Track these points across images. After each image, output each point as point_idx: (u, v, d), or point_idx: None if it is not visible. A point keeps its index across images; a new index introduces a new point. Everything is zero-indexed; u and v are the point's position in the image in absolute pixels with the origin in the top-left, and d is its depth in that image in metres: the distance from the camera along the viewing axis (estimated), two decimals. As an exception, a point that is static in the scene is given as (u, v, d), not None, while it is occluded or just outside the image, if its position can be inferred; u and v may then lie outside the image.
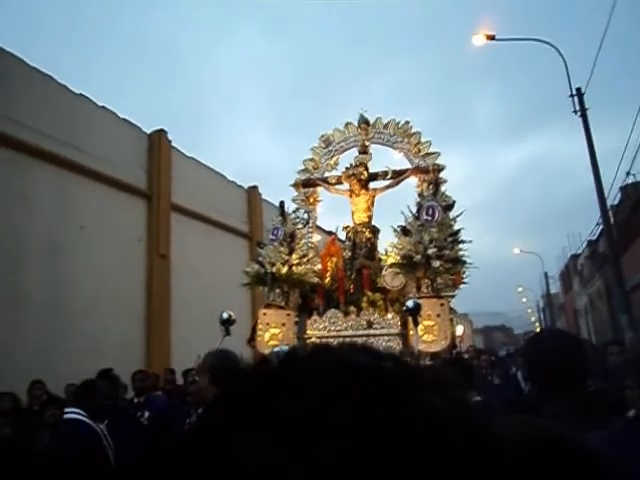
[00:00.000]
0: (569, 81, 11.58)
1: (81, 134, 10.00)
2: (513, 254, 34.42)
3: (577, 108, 11.59)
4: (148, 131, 12.17)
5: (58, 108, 9.60)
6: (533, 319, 51.40)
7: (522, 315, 58.38)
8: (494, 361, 9.75)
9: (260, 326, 5.85)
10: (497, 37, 12.32)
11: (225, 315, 5.17)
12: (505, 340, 50.97)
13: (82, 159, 9.88)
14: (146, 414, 5.27)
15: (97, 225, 10.09)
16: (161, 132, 12.30)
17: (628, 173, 15.97)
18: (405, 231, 5.49)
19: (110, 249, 10.27)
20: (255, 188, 16.41)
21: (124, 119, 11.46)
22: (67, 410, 3.26)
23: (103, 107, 10.88)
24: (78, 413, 3.15)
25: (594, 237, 21.52)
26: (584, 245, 24.62)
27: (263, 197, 16.62)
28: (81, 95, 10.33)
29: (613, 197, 17.01)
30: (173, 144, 12.73)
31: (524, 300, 51.36)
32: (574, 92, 11.68)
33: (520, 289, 47.89)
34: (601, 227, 15.88)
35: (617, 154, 13.29)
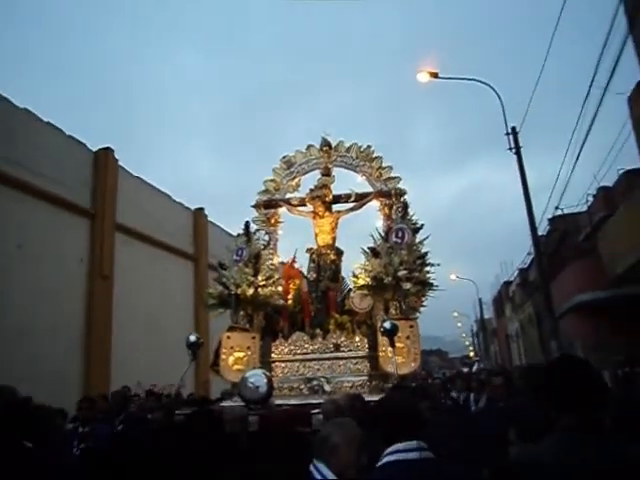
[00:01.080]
0: (505, 120, 12.26)
1: (23, 149, 9.55)
2: (449, 280, 35.44)
3: (512, 145, 12.24)
4: (94, 149, 11.81)
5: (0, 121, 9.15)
6: (467, 343, 52.98)
7: (457, 339, 60.08)
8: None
9: (224, 350, 5.57)
10: (440, 75, 12.91)
11: (192, 338, 4.90)
12: (441, 364, 52.10)
13: (23, 175, 9.43)
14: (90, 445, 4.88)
15: (37, 244, 9.62)
16: (107, 150, 11.98)
17: (557, 207, 17.01)
18: (375, 253, 5.46)
19: (50, 269, 9.83)
20: (201, 210, 16.24)
21: (70, 136, 11.07)
22: None
23: (48, 123, 10.48)
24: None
25: (525, 265, 22.59)
26: (516, 273, 25.76)
27: (209, 219, 16.35)
28: (26, 110, 9.92)
29: (543, 228, 17.95)
30: (119, 163, 12.40)
31: (459, 325, 52.93)
32: (509, 131, 12.33)
33: (456, 314, 49.32)
34: (532, 256, 16.63)
35: (547, 188, 14.09)
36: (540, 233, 17.26)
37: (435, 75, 12.82)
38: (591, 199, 16.40)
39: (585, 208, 16.87)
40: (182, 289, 14.37)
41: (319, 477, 2.09)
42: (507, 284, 29.20)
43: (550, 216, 18.21)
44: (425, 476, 1.87)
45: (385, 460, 1.90)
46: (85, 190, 11.25)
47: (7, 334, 8.61)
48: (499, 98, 12.63)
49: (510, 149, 12.28)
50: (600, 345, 13.30)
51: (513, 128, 12.46)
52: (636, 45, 9.79)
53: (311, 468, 2.14)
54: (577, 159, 11.66)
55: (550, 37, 11.10)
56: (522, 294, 25.03)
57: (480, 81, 13.23)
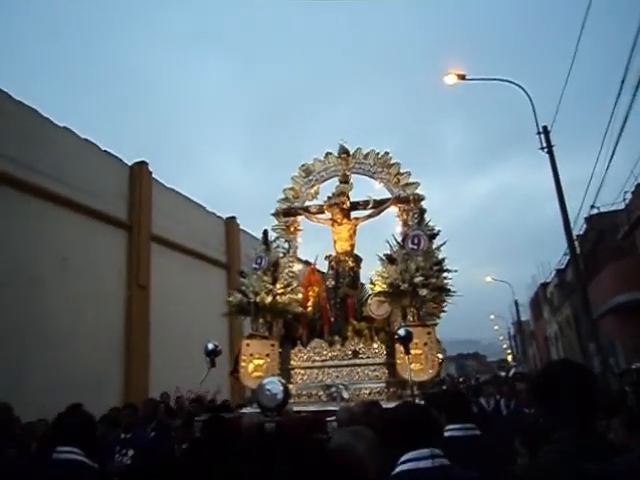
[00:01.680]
0: (536, 119, 11.99)
1: (64, 166, 9.96)
2: (485, 282, 34.74)
3: (544, 145, 11.95)
4: (129, 162, 12.17)
5: (42, 140, 9.58)
6: (505, 346, 51.71)
7: (494, 342, 58.73)
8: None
9: (243, 357, 5.65)
10: (467, 77, 12.75)
11: (210, 346, 4.97)
12: (478, 368, 51.01)
13: (64, 191, 9.85)
14: (130, 452, 4.97)
15: (77, 256, 10.00)
16: (142, 164, 12.34)
17: (592, 206, 16.45)
18: (391, 260, 5.42)
19: (90, 280, 10.17)
20: (233, 219, 16.44)
21: (105, 151, 11.45)
22: (60, 449, 2.59)
23: (86, 139, 10.89)
24: (75, 452, 2.57)
25: (562, 266, 21.93)
26: (553, 274, 25.04)
27: (241, 227, 16.56)
28: (65, 128, 10.35)
29: (579, 227, 17.41)
30: (153, 175, 12.75)
31: (496, 327, 51.77)
32: (541, 130, 12.05)
33: (492, 317, 48.30)
34: (569, 257, 16.17)
35: (582, 184, 13.67)
36: (577, 232, 16.81)
37: (462, 77, 12.67)
38: (629, 196, 15.83)
39: (623, 206, 16.28)
40: (216, 297, 14.55)
41: None
42: (544, 285, 28.41)
43: (587, 215, 17.68)
44: None
45: (399, 469, 1.90)
46: (122, 203, 11.60)
47: (52, 341, 8.96)
48: (529, 98, 12.37)
49: (542, 148, 12.02)
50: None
51: (544, 127, 12.18)
52: None
53: None
54: (612, 156, 11.30)
55: (579, 32, 10.82)
56: (560, 295, 24.32)
57: (510, 81, 13.00)
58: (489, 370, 37.28)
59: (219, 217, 15.89)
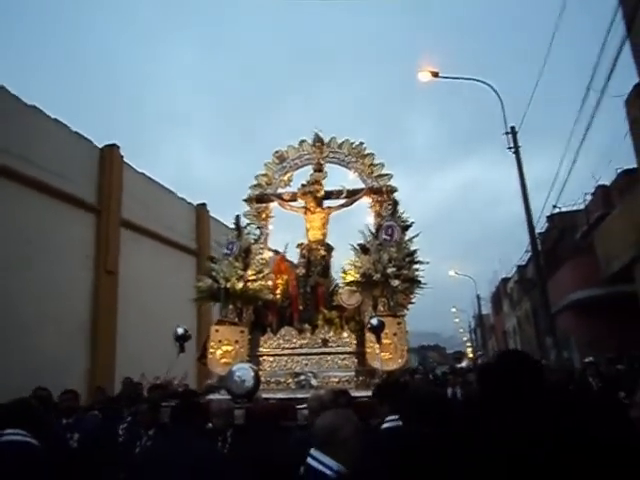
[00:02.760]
0: (504, 119, 12.19)
1: (32, 146, 9.58)
2: (448, 276, 35.29)
3: (511, 145, 12.15)
4: (99, 145, 11.80)
5: (9, 118, 9.19)
6: (465, 339, 52.83)
7: (455, 335, 59.88)
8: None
9: (212, 343, 5.51)
10: (440, 75, 12.86)
11: (180, 331, 4.81)
12: (439, 359, 51.97)
13: (32, 171, 9.48)
14: (75, 436, 4.85)
15: (44, 240, 9.67)
16: (113, 146, 11.98)
17: (554, 206, 16.87)
18: (364, 249, 5.36)
19: (57, 264, 9.87)
20: (204, 205, 16.16)
21: (76, 132, 11.06)
22: (5, 432, 2.75)
23: (55, 119, 10.49)
24: (19, 434, 2.72)
25: (523, 262, 22.43)
26: (514, 270, 25.59)
27: (211, 214, 16.30)
28: (34, 107, 9.94)
29: (541, 226, 17.83)
30: (124, 159, 12.40)
31: (457, 320, 52.77)
32: (509, 130, 12.23)
33: (454, 310, 49.19)
34: (530, 254, 16.52)
35: (548, 182, 13.97)
36: (539, 230, 17.19)
37: (436, 74, 12.81)
38: (589, 197, 16.25)
39: (583, 206, 16.71)
40: (185, 284, 14.25)
41: (326, 470, 2.01)
42: (505, 281, 29.05)
43: (548, 214, 18.10)
44: None
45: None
46: (91, 186, 11.25)
47: (16, 326, 8.69)
48: (499, 98, 12.55)
49: (509, 148, 12.22)
50: (595, 342, 13.20)
51: (512, 128, 12.35)
52: (633, 48, 9.77)
53: (309, 460, 2.08)
54: (575, 159, 11.56)
55: (550, 38, 10.99)
56: (520, 291, 24.90)
57: (480, 81, 13.16)
58: (448, 362, 38.03)
59: (189, 203, 15.64)
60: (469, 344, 48.60)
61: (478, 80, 13.22)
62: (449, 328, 62.62)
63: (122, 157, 12.24)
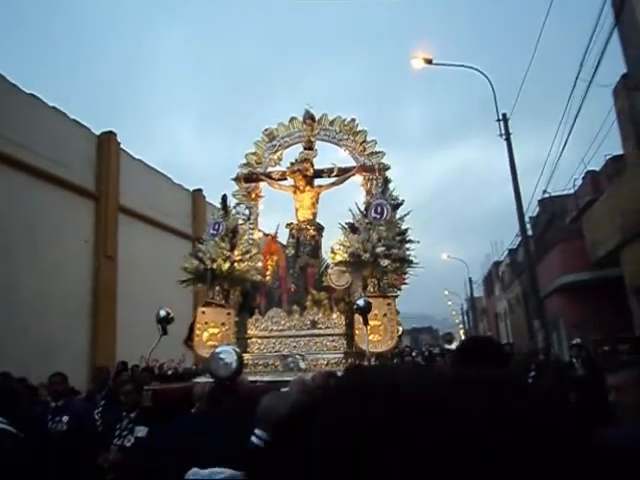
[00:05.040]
0: (496, 107, 12.06)
1: (33, 134, 9.60)
2: (440, 259, 35.08)
3: (502, 132, 11.98)
4: (97, 132, 11.82)
5: (9, 107, 9.18)
6: (457, 321, 52.85)
7: (448, 317, 59.96)
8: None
9: (198, 325, 5.20)
10: (434, 62, 12.70)
11: (162, 313, 4.51)
12: (431, 342, 52.00)
13: (33, 159, 9.54)
14: (65, 418, 4.64)
15: (45, 225, 9.78)
16: (110, 134, 11.99)
17: (545, 191, 16.64)
18: (353, 229, 5.04)
19: (57, 249, 9.99)
20: (200, 191, 15.96)
21: (74, 120, 11.03)
22: None
23: (54, 107, 10.50)
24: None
25: (515, 246, 22.19)
26: (505, 253, 25.37)
27: (207, 200, 16.05)
28: (32, 95, 9.94)
29: (532, 210, 17.62)
30: (121, 146, 12.41)
31: (449, 303, 52.75)
32: (500, 117, 12.04)
33: (446, 292, 49.11)
34: (520, 238, 16.33)
35: (538, 166, 13.73)
36: (530, 214, 17.00)
37: (429, 61, 12.66)
38: (580, 181, 16.01)
39: (573, 191, 16.46)
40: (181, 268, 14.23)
41: (262, 444, 2.11)
42: (497, 264, 28.81)
43: (540, 198, 17.87)
44: None
45: None
46: (89, 173, 11.27)
47: (18, 309, 8.78)
48: (491, 85, 12.33)
49: (500, 135, 12.07)
50: (583, 324, 13.08)
51: (504, 115, 12.13)
52: (621, 38, 9.73)
53: (252, 438, 2.17)
54: (565, 145, 11.37)
55: (541, 25, 10.80)
56: (511, 274, 24.69)
57: (473, 68, 12.90)
58: (440, 344, 37.86)
59: (185, 189, 15.62)
60: (461, 326, 48.62)
61: (470, 67, 12.95)
62: (442, 311, 62.76)
63: (119, 144, 12.20)
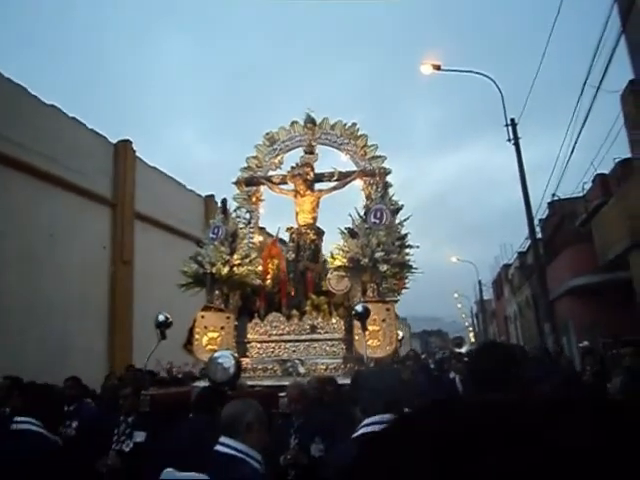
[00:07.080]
0: (504, 112, 12.00)
1: (52, 144, 9.75)
2: (450, 261, 34.72)
3: (511, 137, 11.87)
4: (113, 141, 11.95)
5: (30, 118, 9.31)
6: (467, 324, 52.27)
7: (457, 320, 59.32)
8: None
9: (197, 329, 5.13)
10: (442, 67, 12.65)
11: (161, 317, 4.44)
12: (441, 344, 51.49)
13: (52, 169, 9.68)
14: (74, 424, 4.66)
15: (64, 233, 9.93)
16: (127, 142, 12.13)
17: (554, 194, 16.38)
18: (352, 233, 4.95)
19: (77, 255, 10.16)
20: (211, 197, 15.98)
21: (91, 129, 11.19)
22: (17, 420, 2.56)
23: (73, 118, 10.67)
24: (31, 423, 2.52)
25: (524, 249, 21.85)
26: (514, 256, 25.03)
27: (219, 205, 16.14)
28: (52, 106, 10.11)
29: (542, 212, 17.39)
30: (137, 154, 12.52)
31: (459, 306, 52.18)
32: (509, 122, 11.91)
33: (456, 295, 48.60)
34: (530, 241, 16.12)
35: (548, 168, 13.55)
36: (540, 217, 16.74)
37: (438, 67, 12.59)
38: (590, 184, 15.74)
39: (582, 194, 16.19)
40: (195, 274, 14.40)
41: (234, 452, 2.04)
42: (506, 266, 28.38)
43: (549, 200, 17.61)
44: None
45: (360, 432, 1.89)
46: (106, 181, 11.43)
47: (39, 314, 8.89)
48: (499, 90, 12.25)
49: (509, 140, 11.93)
50: (592, 327, 12.85)
51: (512, 120, 11.98)
52: (629, 44, 9.65)
53: (217, 447, 2.10)
54: (573, 149, 11.20)
55: (549, 31, 10.68)
56: (520, 277, 24.31)
57: (481, 74, 12.82)
58: (449, 347, 37.43)
59: (198, 195, 15.67)
60: (471, 329, 48.07)
61: (479, 73, 12.86)
62: (451, 313, 62.09)
63: (134, 152, 12.35)
